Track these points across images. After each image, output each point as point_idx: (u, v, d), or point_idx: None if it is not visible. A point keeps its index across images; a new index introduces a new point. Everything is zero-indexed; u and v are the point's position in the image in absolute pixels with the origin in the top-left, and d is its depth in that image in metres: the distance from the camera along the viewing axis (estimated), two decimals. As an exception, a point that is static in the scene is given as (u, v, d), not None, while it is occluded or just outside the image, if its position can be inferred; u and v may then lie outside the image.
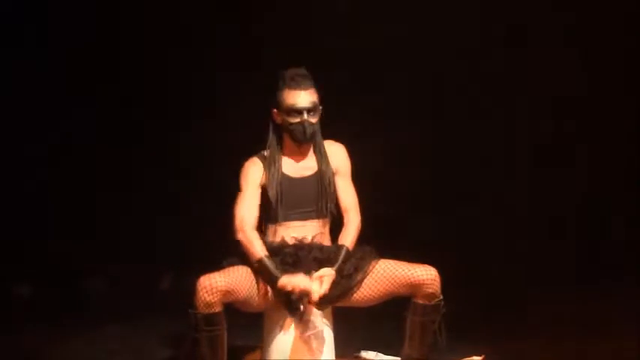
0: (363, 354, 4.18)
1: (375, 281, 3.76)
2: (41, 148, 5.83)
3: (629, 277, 5.55)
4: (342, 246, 3.79)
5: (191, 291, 3.60)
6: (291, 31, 5.70)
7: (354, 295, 3.78)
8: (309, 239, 3.82)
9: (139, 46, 5.85)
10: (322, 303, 3.70)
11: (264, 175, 3.84)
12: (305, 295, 3.65)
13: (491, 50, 5.89)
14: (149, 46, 5.85)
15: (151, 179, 5.91)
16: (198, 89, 5.85)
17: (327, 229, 3.90)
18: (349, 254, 3.79)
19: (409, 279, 3.73)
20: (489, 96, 5.93)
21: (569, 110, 5.96)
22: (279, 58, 5.49)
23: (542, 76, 5.90)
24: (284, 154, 3.89)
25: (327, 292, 3.68)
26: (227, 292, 3.60)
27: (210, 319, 3.59)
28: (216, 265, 3.72)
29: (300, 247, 3.80)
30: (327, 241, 3.88)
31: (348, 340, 4.10)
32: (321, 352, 3.74)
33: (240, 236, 3.74)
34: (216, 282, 3.58)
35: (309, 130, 3.81)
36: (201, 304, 3.57)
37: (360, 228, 3.87)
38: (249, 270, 3.71)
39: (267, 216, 3.85)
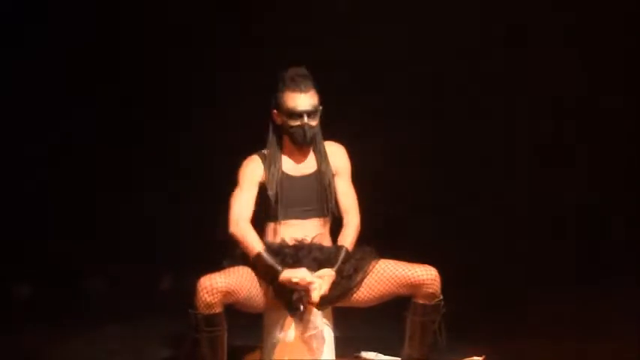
0: (363, 354, 4.18)
1: (375, 281, 3.76)
2: (41, 148, 5.83)
3: (629, 277, 5.55)
4: (341, 247, 3.79)
5: (191, 291, 3.60)
6: (291, 31, 5.70)
7: (354, 295, 3.78)
8: (308, 240, 3.82)
9: (139, 46, 5.85)
10: (322, 303, 3.70)
11: (264, 174, 3.84)
12: (306, 293, 3.64)
13: (491, 50, 5.89)
14: (149, 46, 5.85)
15: (151, 179, 5.91)
16: (198, 89, 5.85)
17: (327, 229, 3.90)
18: (349, 255, 3.78)
19: (409, 279, 3.73)
20: (489, 96, 5.93)
21: (569, 110, 5.96)
22: (279, 58, 5.51)
23: (542, 76, 5.90)
24: (284, 154, 3.89)
25: (326, 292, 3.68)
26: (228, 293, 3.59)
27: (211, 319, 3.58)
28: (216, 266, 3.72)
29: (300, 247, 3.79)
30: (327, 242, 3.87)
31: (348, 340, 4.09)
32: (321, 352, 3.74)
33: (234, 230, 3.73)
34: (217, 282, 3.57)
35: (309, 134, 3.80)
36: (202, 305, 3.57)
37: (359, 229, 3.87)
38: (249, 270, 3.71)
39: (267, 214, 3.84)
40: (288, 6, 5.74)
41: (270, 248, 3.73)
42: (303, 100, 3.78)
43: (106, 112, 5.91)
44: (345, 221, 3.88)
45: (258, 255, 3.68)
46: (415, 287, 3.73)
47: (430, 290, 3.73)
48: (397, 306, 3.83)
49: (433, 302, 3.75)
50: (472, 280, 5.44)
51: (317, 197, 3.86)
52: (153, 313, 5.30)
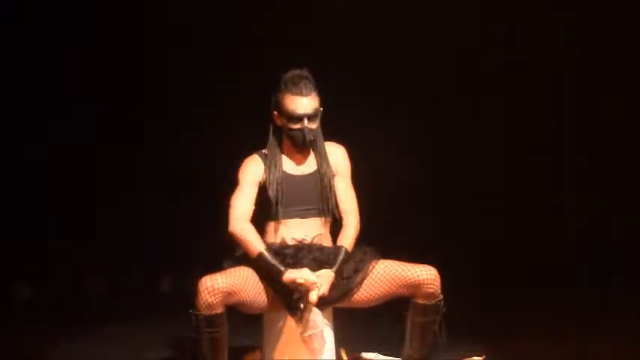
0: (364, 355, 4.18)
1: (375, 282, 3.76)
2: (41, 148, 5.83)
3: (629, 277, 5.56)
4: (341, 247, 3.79)
5: (191, 292, 3.60)
6: (291, 31, 5.70)
7: (355, 296, 3.77)
8: (308, 240, 3.82)
9: (139, 46, 5.85)
10: (322, 304, 3.69)
11: (264, 173, 3.83)
12: (306, 293, 3.64)
13: (491, 50, 5.89)
14: (149, 46, 5.85)
15: (151, 179, 5.91)
16: (198, 89, 5.85)
17: (327, 229, 3.89)
18: (348, 255, 3.78)
19: (409, 279, 3.72)
20: (489, 96, 5.93)
21: (569, 110, 5.96)
22: (279, 58, 5.51)
23: (542, 76, 5.90)
24: (284, 154, 3.88)
25: (326, 293, 3.67)
26: (229, 294, 3.59)
27: (212, 320, 3.58)
28: (217, 266, 3.72)
29: (300, 247, 3.79)
30: (327, 242, 3.87)
31: (348, 341, 4.10)
32: (321, 352, 3.74)
33: (235, 229, 3.71)
34: (218, 283, 3.57)
35: (308, 137, 3.79)
36: (203, 306, 3.56)
37: (359, 229, 3.86)
38: (250, 270, 3.70)
39: (267, 214, 3.84)
40: (288, 6, 5.74)
41: (270, 248, 3.73)
42: (303, 104, 3.76)
43: (106, 112, 5.91)
44: (344, 222, 3.87)
45: (260, 255, 3.68)
46: (415, 287, 3.73)
47: (430, 290, 3.73)
48: (397, 306, 3.83)
49: (433, 302, 3.75)
50: (472, 280, 5.45)
51: (317, 197, 3.85)
52: (153, 314, 5.31)
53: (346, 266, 3.76)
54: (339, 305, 3.81)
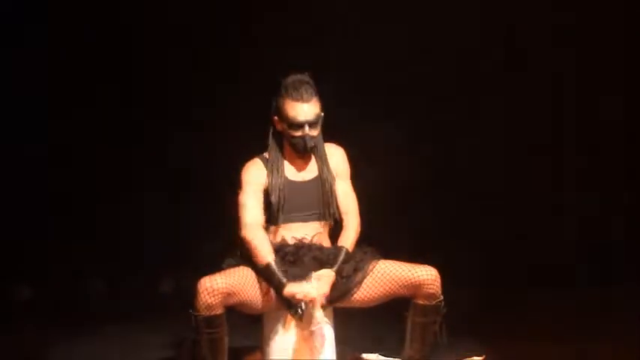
0: (364, 356, 4.18)
1: (376, 282, 3.76)
2: (41, 148, 5.83)
3: (629, 277, 5.56)
4: (341, 247, 3.79)
5: (191, 292, 3.60)
6: (291, 31, 5.70)
7: (355, 295, 3.77)
8: (308, 239, 3.82)
9: (139, 46, 5.85)
10: (322, 304, 3.69)
11: (267, 178, 3.82)
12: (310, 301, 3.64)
13: (491, 50, 5.89)
14: (149, 46, 5.85)
15: (151, 179, 5.91)
16: (198, 89, 5.84)
17: (326, 231, 3.89)
18: (349, 255, 3.78)
19: (410, 279, 3.72)
20: (489, 96, 5.93)
21: (569, 110, 5.96)
22: (279, 59, 5.52)
23: (542, 76, 5.90)
24: (285, 159, 3.87)
25: (327, 293, 3.67)
26: (228, 294, 3.59)
27: (211, 321, 3.58)
28: (216, 267, 3.72)
29: (300, 246, 3.79)
30: (326, 243, 3.87)
31: (348, 341, 4.09)
32: (321, 352, 3.73)
33: (247, 235, 3.70)
34: (217, 283, 3.57)
35: (309, 144, 3.78)
36: (202, 306, 3.56)
37: (359, 230, 3.86)
38: (250, 271, 3.70)
39: (269, 218, 3.83)
40: (288, 6, 5.74)
41: (277, 260, 3.71)
42: (304, 110, 3.75)
43: (106, 112, 5.91)
44: (344, 223, 3.87)
45: (267, 265, 3.66)
46: (416, 288, 3.73)
47: (431, 290, 3.73)
48: (397, 306, 3.83)
49: (434, 303, 3.75)
50: (472, 280, 5.45)
51: (318, 202, 3.85)
52: (153, 314, 5.31)
53: (346, 266, 3.76)
54: (339, 305, 3.81)
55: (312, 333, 3.67)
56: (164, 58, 5.85)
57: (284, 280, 3.64)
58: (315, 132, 3.78)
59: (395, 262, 3.78)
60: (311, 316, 3.65)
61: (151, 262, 5.79)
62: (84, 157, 5.90)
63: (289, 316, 3.72)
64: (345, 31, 5.78)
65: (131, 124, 5.92)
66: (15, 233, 5.74)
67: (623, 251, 5.81)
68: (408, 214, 5.85)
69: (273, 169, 3.82)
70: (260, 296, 3.71)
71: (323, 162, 3.87)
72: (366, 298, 3.78)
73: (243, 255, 3.75)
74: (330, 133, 3.93)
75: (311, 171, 3.88)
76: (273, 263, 3.66)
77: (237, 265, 3.72)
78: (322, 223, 3.86)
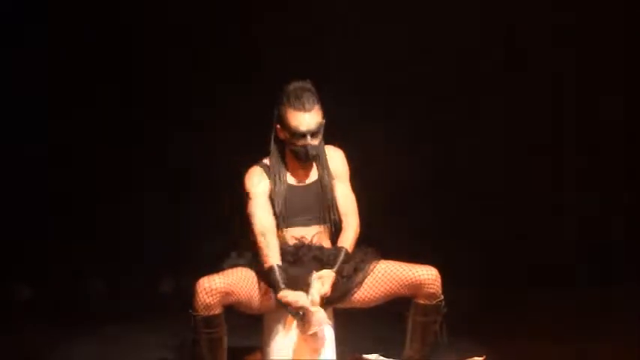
0: (364, 356, 4.17)
1: (376, 282, 3.76)
2: (41, 148, 5.83)
3: (629, 277, 5.56)
4: (341, 248, 3.78)
5: (191, 292, 3.60)
6: (291, 31, 5.70)
7: (355, 296, 3.77)
8: (308, 239, 3.82)
9: (139, 46, 5.85)
10: (323, 304, 3.69)
11: (270, 185, 3.81)
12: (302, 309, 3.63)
13: (491, 50, 5.89)
14: (149, 46, 5.85)
15: (151, 179, 5.91)
16: (198, 89, 5.84)
17: (327, 234, 3.89)
18: (348, 256, 3.78)
19: (410, 279, 3.72)
20: (489, 96, 5.93)
21: (569, 110, 5.96)
22: (279, 59, 5.53)
23: (542, 76, 5.90)
24: (286, 163, 3.85)
25: (328, 293, 3.67)
26: (226, 294, 3.59)
27: (210, 321, 3.58)
28: (216, 267, 3.71)
29: (300, 246, 3.79)
30: (326, 244, 3.87)
31: (348, 341, 4.09)
32: (322, 352, 3.74)
33: (260, 241, 3.69)
34: (216, 283, 3.57)
35: (311, 153, 3.77)
36: (201, 306, 3.56)
37: (358, 231, 3.86)
38: (249, 271, 3.71)
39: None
40: (288, 6, 5.74)
41: (283, 267, 3.70)
42: (306, 120, 3.73)
43: (106, 112, 5.91)
44: (344, 224, 3.86)
45: (271, 268, 3.66)
46: (416, 287, 3.73)
47: (431, 290, 3.73)
48: (398, 306, 3.83)
49: (434, 302, 3.75)
50: (472, 280, 5.45)
51: (319, 206, 3.85)
52: (153, 314, 5.31)
53: (347, 266, 3.76)
54: (339, 306, 3.81)
55: (313, 334, 3.67)
56: (164, 58, 5.85)
57: (282, 285, 3.63)
58: (316, 141, 3.78)
59: (395, 262, 3.78)
60: (309, 322, 3.65)
61: (151, 262, 5.80)
62: (84, 157, 5.90)
63: (290, 317, 3.71)
64: (345, 31, 5.78)
65: (131, 124, 5.92)
66: (15, 233, 5.74)
67: (623, 251, 5.81)
68: (408, 214, 5.85)
69: (275, 177, 3.81)
70: (259, 296, 3.72)
71: (324, 167, 3.87)
72: (366, 298, 3.79)
73: (249, 257, 3.74)
74: (330, 133, 3.92)
75: (312, 174, 3.88)
76: (276, 267, 3.65)
77: (237, 265, 3.72)
78: (323, 227, 3.86)
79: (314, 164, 3.88)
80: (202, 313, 3.57)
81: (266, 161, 3.86)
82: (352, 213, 3.87)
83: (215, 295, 3.56)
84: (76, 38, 5.80)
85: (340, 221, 3.87)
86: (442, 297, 3.77)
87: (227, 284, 3.59)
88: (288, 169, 3.85)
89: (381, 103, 5.83)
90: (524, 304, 5.31)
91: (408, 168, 5.82)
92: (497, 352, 4.20)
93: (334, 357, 3.81)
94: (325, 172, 3.87)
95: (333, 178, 3.87)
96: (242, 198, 3.80)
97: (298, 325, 3.69)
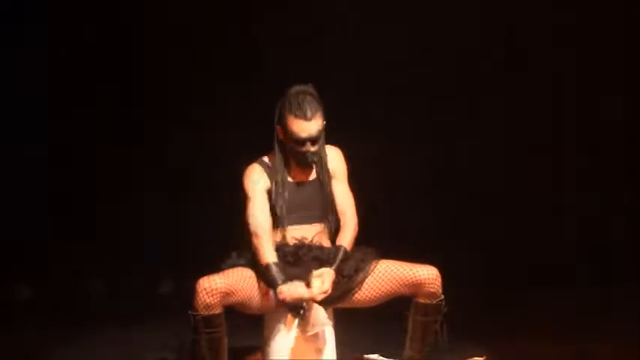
0: (365, 356, 4.18)
1: (377, 281, 3.76)
2: (41, 148, 5.83)
3: (629, 277, 5.56)
4: (340, 246, 3.78)
5: (191, 292, 3.60)
6: (291, 31, 5.70)
7: (356, 295, 3.78)
8: (308, 239, 3.82)
9: (139, 46, 5.85)
10: (324, 303, 3.69)
11: (270, 183, 3.81)
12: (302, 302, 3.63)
13: (491, 50, 5.89)
14: (149, 46, 5.85)
15: (151, 179, 5.91)
16: (198, 89, 5.85)
17: (326, 232, 3.89)
18: (347, 254, 3.78)
19: (411, 278, 3.73)
20: (489, 96, 5.93)
21: (569, 110, 5.96)
22: (279, 59, 5.53)
23: (542, 76, 5.90)
24: (287, 164, 3.85)
25: (329, 291, 3.67)
26: (226, 294, 3.59)
27: (210, 320, 3.58)
28: (216, 267, 3.72)
29: (300, 246, 3.79)
30: (326, 243, 3.87)
31: (348, 341, 4.09)
32: (322, 352, 3.74)
33: (255, 241, 3.71)
34: (216, 283, 3.57)
35: (311, 159, 3.77)
36: (201, 306, 3.56)
37: (356, 230, 3.85)
38: (249, 271, 3.71)
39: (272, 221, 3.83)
40: (288, 6, 5.74)
41: (278, 264, 3.70)
42: (307, 127, 3.72)
43: (106, 112, 5.91)
44: (342, 223, 3.87)
45: (267, 265, 3.67)
46: (416, 287, 3.73)
47: (431, 290, 3.73)
48: (398, 306, 3.83)
49: (434, 302, 3.75)
50: (472, 280, 5.45)
51: (318, 204, 3.85)
52: (153, 314, 5.31)
53: (347, 265, 3.76)
54: (340, 305, 3.81)
55: (314, 334, 3.67)
56: (164, 58, 5.85)
57: (279, 281, 3.63)
58: (317, 147, 3.78)
59: (395, 261, 3.78)
60: (310, 322, 3.64)
61: (151, 262, 5.79)
62: (84, 157, 5.90)
63: (290, 317, 3.71)
64: (345, 31, 5.78)
65: (131, 124, 5.92)
66: (15, 233, 5.74)
67: (623, 251, 5.81)
68: (408, 214, 5.86)
69: (277, 176, 3.81)
70: (259, 296, 3.72)
71: (323, 170, 3.87)
72: (367, 298, 3.79)
73: (248, 257, 3.74)
74: (330, 133, 3.92)
75: (311, 173, 3.88)
76: (273, 265, 3.66)
77: (237, 265, 3.72)
78: (321, 225, 3.86)
79: (314, 164, 3.88)
80: (202, 313, 3.57)
81: (265, 159, 3.87)
82: (350, 212, 3.87)
83: (215, 295, 3.56)
84: (76, 38, 5.80)
85: (339, 220, 3.87)
86: (442, 296, 3.77)
87: (227, 284, 3.59)
88: (288, 167, 3.86)
89: (381, 103, 5.83)
90: (524, 304, 5.31)
91: (408, 168, 5.82)
92: (497, 352, 4.20)
93: (334, 357, 3.81)
94: (324, 173, 3.87)
95: (331, 177, 3.88)
96: (241, 197, 3.80)
97: (298, 325, 3.69)
